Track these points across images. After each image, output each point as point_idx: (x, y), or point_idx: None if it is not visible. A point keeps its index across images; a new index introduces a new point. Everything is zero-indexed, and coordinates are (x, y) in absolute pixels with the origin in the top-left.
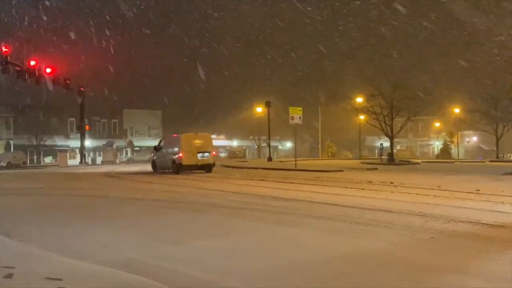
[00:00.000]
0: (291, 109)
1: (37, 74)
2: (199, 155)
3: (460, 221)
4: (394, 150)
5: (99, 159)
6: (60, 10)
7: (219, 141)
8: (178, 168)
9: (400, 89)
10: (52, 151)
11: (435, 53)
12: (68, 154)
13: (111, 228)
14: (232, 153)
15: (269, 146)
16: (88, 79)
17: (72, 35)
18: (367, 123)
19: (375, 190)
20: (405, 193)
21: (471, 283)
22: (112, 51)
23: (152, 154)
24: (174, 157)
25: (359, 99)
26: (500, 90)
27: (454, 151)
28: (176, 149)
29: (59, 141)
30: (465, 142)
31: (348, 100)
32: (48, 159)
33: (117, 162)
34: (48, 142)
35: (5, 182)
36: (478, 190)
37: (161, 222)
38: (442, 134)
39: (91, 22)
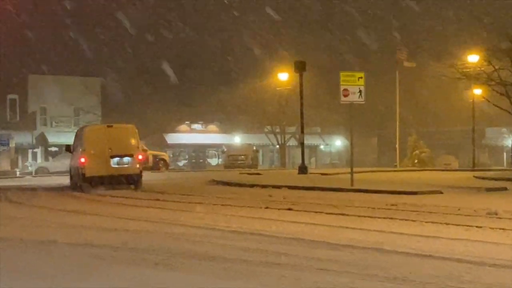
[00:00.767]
0: (343, 75)
1: None
2: (114, 160)
3: None
4: None
5: None
6: None
7: (206, 135)
8: (82, 181)
9: None
10: None
11: None
12: None
13: None
14: (232, 159)
15: (301, 144)
16: None
17: None
18: (487, 101)
19: (503, 229)
20: None
21: None
22: None
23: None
24: (77, 164)
25: (473, 58)
26: None
27: None
28: (81, 150)
29: None
30: None
31: (451, 61)
32: None
33: (17, 173)
34: None
35: None
36: None
37: None
38: None
39: None
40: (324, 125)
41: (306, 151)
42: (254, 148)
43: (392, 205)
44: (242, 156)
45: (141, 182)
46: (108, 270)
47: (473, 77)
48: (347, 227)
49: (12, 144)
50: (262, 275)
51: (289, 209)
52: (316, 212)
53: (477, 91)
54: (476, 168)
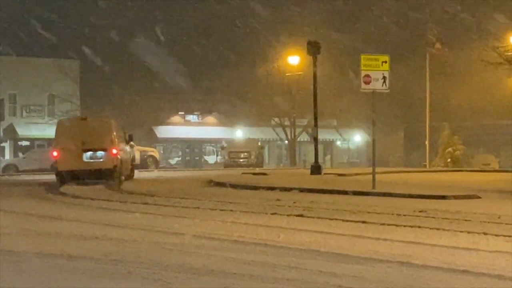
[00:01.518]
0: (364, 59)
1: None
2: (87, 154)
3: None
4: None
5: None
6: None
7: (203, 128)
8: (56, 176)
9: None
10: None
11: None
12: None
13: None
14: (233, 157)
15: (315, 140)
16: None
17: None
18: None
19: None
20: None
21: None
22: None
23: None
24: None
25: None
26: None
27: None
28: (54, 144)
29: None
30: None
31: (491, 42)
32: None
33: None
34: None
35: None
36: None
37: None
38: None
39: None
40: (341, 117)
41: (320, 147)
42: (259, 143)
43: (421, 211)
44: (245, 153)
45: (115, 178)
46: (88, 285)
47: None
48: (368, 237)
49: None
50: None
51: (300, 215)
52: (332, 219)
53: None
54: None
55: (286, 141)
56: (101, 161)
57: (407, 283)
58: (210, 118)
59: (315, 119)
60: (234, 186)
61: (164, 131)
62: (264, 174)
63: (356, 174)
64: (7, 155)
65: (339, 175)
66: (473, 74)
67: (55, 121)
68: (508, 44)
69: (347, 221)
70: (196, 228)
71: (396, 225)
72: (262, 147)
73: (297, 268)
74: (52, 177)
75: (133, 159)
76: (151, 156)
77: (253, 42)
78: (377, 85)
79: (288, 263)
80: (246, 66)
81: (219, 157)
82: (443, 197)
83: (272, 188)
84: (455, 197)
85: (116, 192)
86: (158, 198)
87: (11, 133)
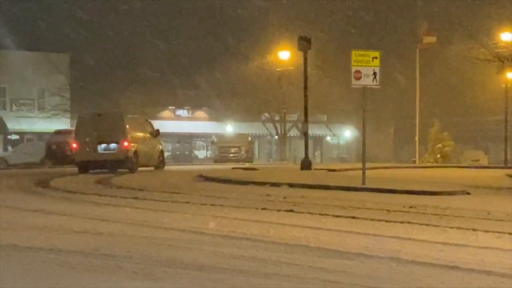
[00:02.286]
0: (355, 54)
1: None
2: (101, 146)
3: None
4: None
5: None
6: None
7: (193, 123)
8: (77, 166)
9: None
10: None
11: None
12: None
13: None
14: (223, 152)
15: (305, 135)
16: None
17: None
18: None
19: None
20: None
21: None
22: None
23: None
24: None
25: (506, 37)
26: None
27: None
28: (74, 137)
29: None
30: None
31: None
32: None
33: None
34: None
35: None
36: None
37: None
38: None
39: None
40: (331, 113)
41: (310, 143)
42: (249, 138)
43: (411, 207)
44: (235, 148)
45: (128, 167)
46: (78, 280)
47: (507, 59)
48: (358, 233)
49: None
50: (259, 287)
51: (291, 210)
52: (322, 214)
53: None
54: (509, 165)
55: (276, 136)
56: (113, 153)
57: (396, 279)
58: (201, 113)
59: (305, 114)
60: (224, 181)
61: (154, 126)
62: (254, 169)
63: (346, 169)
64: None
65: (329, 170)
66: (463, 70)
67: (45, 115)
68: (499, 40)
69: (337, 216)
70: (186, 223)
71: (386, 221)
72: (252, 142)
73: (287, 263)
74: (41, 171)
75: (161, 151)
76: None
77: (245, 37)
78: (368, 81)
79: (278, 258)
80: (237, 61)
81: (209, 152)
82: (433, 193)
83: (262, 183)
84: (445, 193)
85: (107, 186)
86: (148, 193)
87: (0, 127)
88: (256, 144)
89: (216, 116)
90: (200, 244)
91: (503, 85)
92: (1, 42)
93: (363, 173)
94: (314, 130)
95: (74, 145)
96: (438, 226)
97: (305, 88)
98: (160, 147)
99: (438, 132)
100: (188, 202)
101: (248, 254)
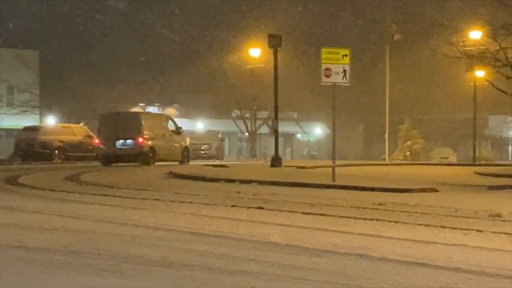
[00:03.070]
0: (325, 52)
1: None
2: (119, 142)
3: None
4: None
5: None
6: None
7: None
8: (100, 160)
9: None
10: None
11: None
12: None
13: None
14: (194, 148)
15: (275, 132)
16: None
17: None
18: (491, 85)
19: (506, 234)
20: None
21: None
22: None
23: None
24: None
25: (475, 35)
26: None
27: None
28: (96, 134)
29: None
30: None
31: (450, 37)
32: None
33: None
34: None
35: None
36: None
37: None
38: None
39: None
40: (301, 110)
41: (281, 140)
42: (220, 135)
43: (380, 204)
44: (205, 145)
45: (143, 161)
46: (46, 277)
47: (475, 57)
48: (327, 230)
49: None
50: (228, 284)
51: (260, 208)
52: (292, 211)
53: (480, 73)
54: (477, 162)
55: (247, 134)
56: (130, 148)
57: (365, 276)
58: (171, 110)
59: (276, 111)
60: (194, 178)
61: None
62: (224, 166)
63: (316, 166)
64: None
65: (299, 167)
66: (432, 68)
67: (14, 111)
68: (467, 38)
69: (307, 213)
70: (155, 220)
71: (355, 218)
72: (222, 139)
73: (256, 260)
74: (10, 168)
75: (185, 147)
76: None
77: (216, 34)
78: (338, 79)
79: (247, 256)
80: (207, 58)
81: None
82: (402, 190)
83: (232, 181)
84: (414, 190)
85: (76, 183)
86: (118, 190)
87: None
88: (227, 141)
89: (186, 113)
90: (169, 241)
91: (472, 83)
92: None
93: (333, 171)
94: (284, 127)
95: (97, 141)
96: (406, 223)
97: (275, 85)
98: (184, 143)
99: (408, 129)
100: (157, 199)
101: (218, 251)
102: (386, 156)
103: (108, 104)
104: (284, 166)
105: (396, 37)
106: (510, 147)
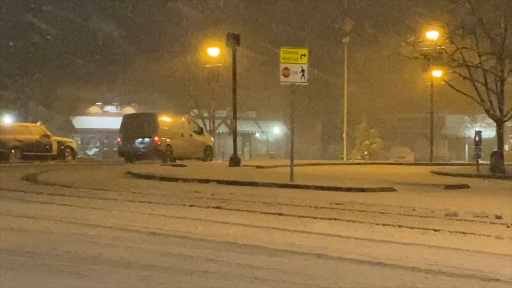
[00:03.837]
0: (283, 52)
1: None
2: (138, 141)
3: None
4: (506, 148)
5: None
6: None
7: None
8: (123, 157)
9: None
10: None
11: None
12: None
13: None
14: None
15: (234, 132)
16: None
17: None
18: (448, 85)
19: (463, 233)
20: None
21: None
22: None
23: None
24: None
25: (432, 35)
26: None
27: None
28: (118, 133)
29: None
30: None
31: (407, 37)
32: None
33: None
34: None
35: None
36: None
37: None
38: None
39: None
40: (260, 109)
41: (239, 139)
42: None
43: (338, 204)
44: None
45: (160, 158)
46: (2, 278)
47: (432, 57)
48: (285, 229)
49: None
50: (186, 285)
51: (218, 207)
52: (250, 211)
53: (437, 73)
54: (434, 162)
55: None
56: (147, 146)
57: (323, 275)
58: (129, 109)
59: (234, 111)
60: (152, 177)
61: (81, 122)
62: (182, 166)
63: (275, 166)
64: None
65: (258, 167)
66: (390, 68)
67: None
68: (424, 38)
69: (265, 213)
70: (113, 220)
71: (313, 218)
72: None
73: (214, 260)
74: None
75: (208, 145)
76: (69, 146)
77: (174, 33)
78: (296, 78)
79: (205, 255)
80: (165, 57)
81: None
82: (359, 190)
83: (190, 180)
84: (371, 190)
85: (33, 183)
86: (75, 189)
87: None
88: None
89: (144, 111)
90: (127, 241)
91: (429, 83)
92: None
93: (291, 170)
94: (243, 127)
95: (118, 139)
96: (364, 222)
97: (234, 85)
98: (207, 142)
99: (366, 128)
100: (115, 199)
101: (176, 251)
102: (344, 156)
103: (67, 102)
104: (243, 165)
105: (347, 27)
106: (467, 146)
